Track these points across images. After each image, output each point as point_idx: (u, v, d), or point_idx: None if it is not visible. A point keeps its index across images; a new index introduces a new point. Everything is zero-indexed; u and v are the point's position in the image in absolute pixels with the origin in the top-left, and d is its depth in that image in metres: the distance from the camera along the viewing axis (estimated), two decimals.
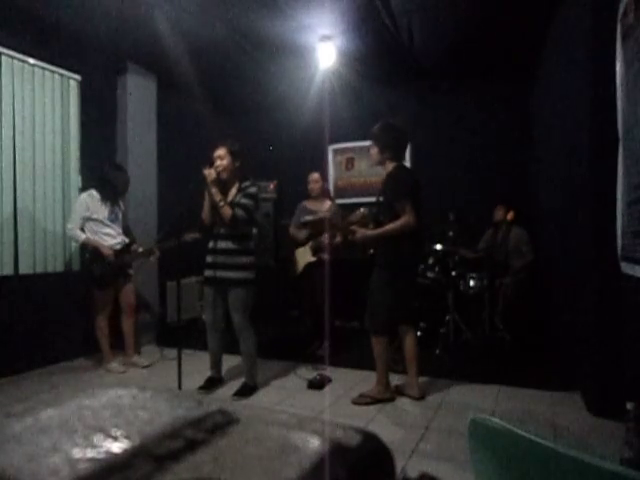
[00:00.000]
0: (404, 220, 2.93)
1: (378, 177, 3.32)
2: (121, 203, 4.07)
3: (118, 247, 3.90)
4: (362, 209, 3.30)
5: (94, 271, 3.80)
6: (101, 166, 4.27)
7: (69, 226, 3.85)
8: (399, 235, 2.97)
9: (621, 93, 2.47)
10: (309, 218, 4.11)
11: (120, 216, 4.03)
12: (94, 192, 3.92)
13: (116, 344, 4.06)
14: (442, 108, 5.48)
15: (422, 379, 3.44)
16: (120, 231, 3.99)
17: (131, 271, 4.04)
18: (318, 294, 4.02)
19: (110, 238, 3.89)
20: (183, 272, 4.50)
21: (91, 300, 3.94)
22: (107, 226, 3.89)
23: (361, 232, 3.10)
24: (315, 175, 4.41)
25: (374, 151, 3.16)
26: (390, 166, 3.13)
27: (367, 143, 3.22)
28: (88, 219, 3.84)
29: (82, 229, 3.83)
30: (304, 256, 4.26)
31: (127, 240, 4.01)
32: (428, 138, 5.51)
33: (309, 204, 4.43)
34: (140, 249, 4.04)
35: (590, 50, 2.85)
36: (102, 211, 3.88)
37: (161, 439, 0.42)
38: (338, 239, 4.06)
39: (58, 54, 4.16)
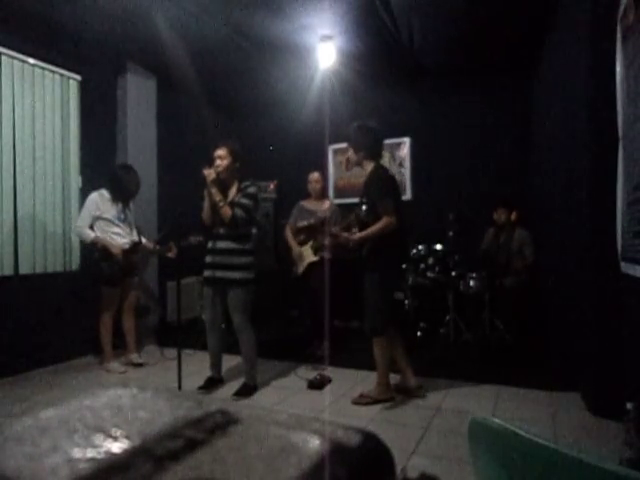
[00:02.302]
0: (386, 221, 2.94)
1: None
2: (131, 204, 4.11)
3: (126, 247, 3.92)
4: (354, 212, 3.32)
5: (103, 269, 3.81)
6: (101, 166, 4.30)
7: (79, 224, 3.86)
8: (384, 236, 2.97)
9: (621, 93, 2.47)
10: (304, 224, 4.15)
11: (129, 216, 4.06)
12: (105, 192, 3.94)
13: (116, 344, 4.07)
14: (442, 108, 5.48)
15: (422, 379, 3.45)
16: (129, 231, 4.02)
17: (136, 271, 4.09)
18: (317, 293, 4.02)
19: (119, 237, 3.91)
20: (183, 272, 4.50)
21: (98, 299, 3.96)
22: (116, 225, 3.92)
23: (343, 236, 3.10)
24: (315, 175, 4.41)
25: (350, 153, 3.20)
26: (369, 166, 3.14)
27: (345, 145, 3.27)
28: (98, 218, 3.86)
29: (91, 228, 3.85)
30: (306, 256, 4.26)
31: (136, 240, 4.03)
32: (428, 138, 5.51)
33: (307, 204, 4.43)
34: (157, 246, 4.10)
35: (590, 50, 2.84)
36: (112, 211, 3.91)
37: (161, 439, 0.42)
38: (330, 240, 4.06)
39: (58, 54, 4.16)
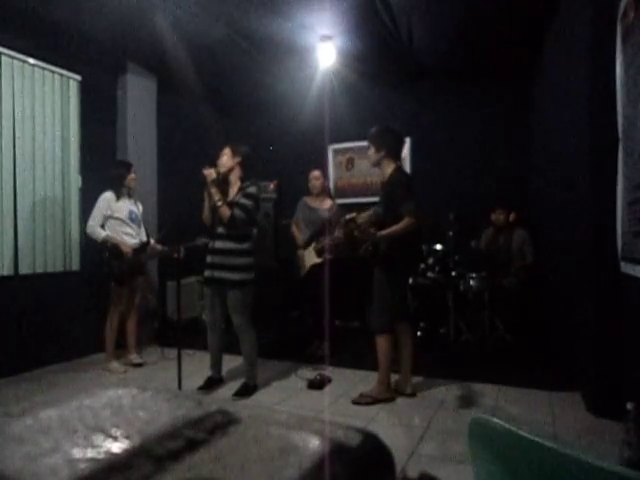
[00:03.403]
0: (408, 221, 2.96)
1: (378, 177, 3.34)
2: (139, 204, 4.12)
3: (136, 247, 3.94)
4: (372, 210, 3.32)
5: (113, 268, 3.81)
6: (101, 166, 4.31)
7: (90, 223, 3.86)
8: (403, 236, 2.99)
9: (621, 93, 2.47)
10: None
11: (139, 216, 4.07)
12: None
13: (117, 343, 4.07)
14: (442, 108, 5.48)
15: (422, 379, 3.44)
16: (139, 231, 4.05)
17: (144, 269, 4.12)
18: (323, 295, 4.01)
19: (129, 237, 3.93)
20: (184, 272, 4.50)
21: (100, 298, 3.97)
22: (128, 225, 3.94)
23: (369, 232, 3.12)
24: (316, 172, 4.42)
25: (371, 152, 3.24)
26: (390, 168, 3.17)
27: (366, 143, 3.28)
28: (109, 217, 3.87)
29: (102, 227, 3.86)
30: (309, 257, 4.27)
31: (144, 240, 4.06)
32: (428, 138, 5.51)
33: (310, 201, 4.44)
34: (163, 247, 4.12)
35: (590, 50, 2.85)
36: (122, 210, 3.92)
37: (161, 439, 0.42)
38: (339, 235, 4.00)
39: (58, 54, 4.16)
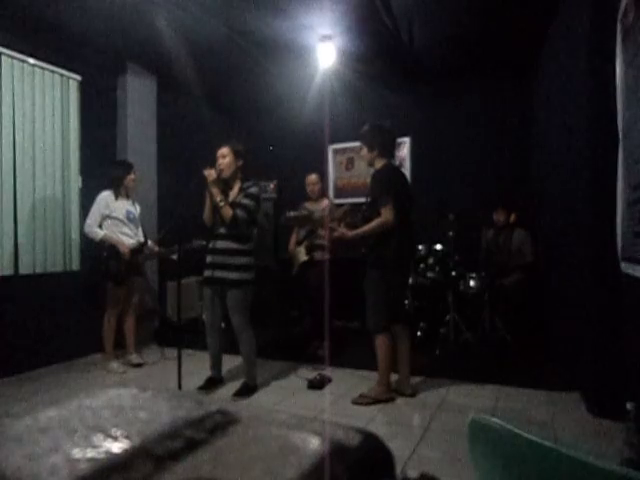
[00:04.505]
0: (382, 218, 2.93)
1: None
2: (136, 204, 4.12)
3: (133, 247, 3.94)
4: (346, 206, 3.31)
5: (111, 267, 3.82)
6: (101, 166, 4.32)
7: (88, 222, 3.86)
8: (385, 234, 2.97)
9: (621, 93, 2.47)
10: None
11: (137, 216, 4.07)
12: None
13: (117, 343, 4.07)
14: (442, 108, 5.48)
15: (422, 379, 3.44)
16: (137, 231, 4.05)
17: (141, 270, 4.13)
18: (314, 293, 4.02)
19: (127, 237, 3.93)
20: (184, 272, 4.51)
21: (100, 298, 3.97)
22: (125, 225, 3.94)
23: (339, 231, 3.09)
24: (312, 177, 4.42)
25: (364, 152, 3.21)
26: (378, 165, 3.15)
27: (359, 144, 3.26)
28: (107, 217, 3.87)
29: (100, 227, 3.86)
30: (300, 256, 4.28)
31: (142, 240, 4.06)
32: (428, 138, 5.51)
33: (309, 205, 4.44)
34: (161, 248, 4.12)
35: (590, 50, 2.85)
36: (120, 210, 3.92)
37: (161, 439, 0.42)
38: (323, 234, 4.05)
39: (58, 54, 4.16)
